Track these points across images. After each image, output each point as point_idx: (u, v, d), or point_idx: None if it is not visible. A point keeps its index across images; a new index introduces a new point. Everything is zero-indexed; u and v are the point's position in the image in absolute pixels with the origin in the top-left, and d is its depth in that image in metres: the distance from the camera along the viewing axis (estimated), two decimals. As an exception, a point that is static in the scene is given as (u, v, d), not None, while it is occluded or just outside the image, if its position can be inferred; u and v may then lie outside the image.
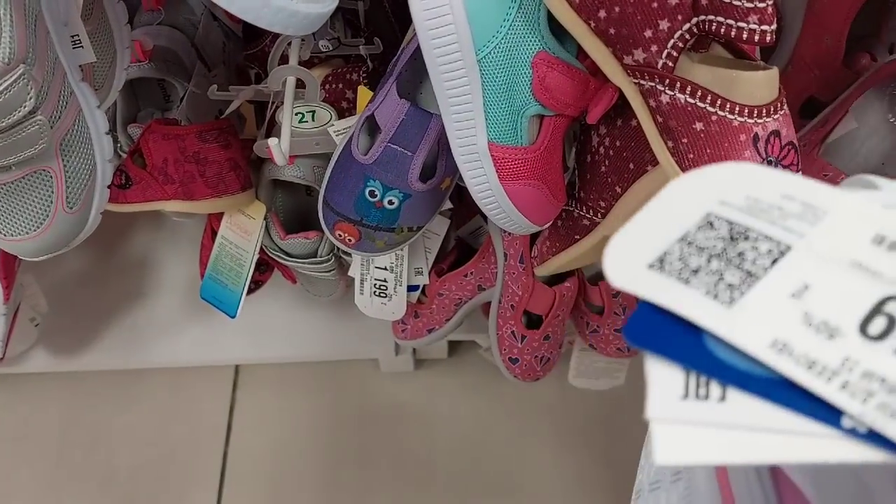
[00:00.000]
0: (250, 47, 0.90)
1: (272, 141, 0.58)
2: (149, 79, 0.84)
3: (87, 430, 1.10)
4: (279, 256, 0.80)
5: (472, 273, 0.77)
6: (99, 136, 0.49)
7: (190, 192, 0.74)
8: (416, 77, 0.58)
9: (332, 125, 0.68)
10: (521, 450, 1.11)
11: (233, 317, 0.82)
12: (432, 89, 0.50)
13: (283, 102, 0.65)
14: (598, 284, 0.71)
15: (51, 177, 0.47)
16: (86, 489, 1.06)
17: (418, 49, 0.50)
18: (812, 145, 0.59)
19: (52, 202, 0.48)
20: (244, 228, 0.79)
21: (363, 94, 0.61)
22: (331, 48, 0.78)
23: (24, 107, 0.42)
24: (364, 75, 0.78)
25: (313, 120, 0.70)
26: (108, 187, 0.76)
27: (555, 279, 0.71)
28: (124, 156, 0.77)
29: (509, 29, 0.47)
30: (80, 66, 0.49)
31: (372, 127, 0.58)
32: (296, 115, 0.69)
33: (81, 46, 0.49)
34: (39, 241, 0.49)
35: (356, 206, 0.59)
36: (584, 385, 0.90)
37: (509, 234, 0.69)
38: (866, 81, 0.59)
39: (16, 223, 0.48)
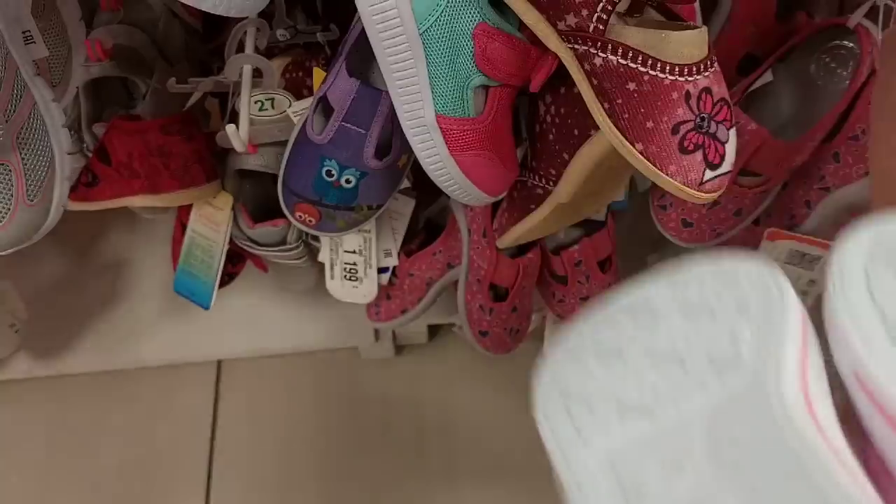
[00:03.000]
0: (212, 42, 0.91)
1: (230, 128, 0.59)
2: (111, 78, 0.84)
3: (72, 433, 1.11)
4: (249, 246, 0.81)
5: (440, 252, 0.78)
6: (56, 130, 0.51)
7: (156, 185, 0.75)
8: (366, 56, 0.59)
9: (291, 107, 0.69)
10: (509, 429, 1.12)
11: (206, 308, 0.83)
12: (381, 67, 0.51)
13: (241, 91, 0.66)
14: (559, 254, 0.73)
15: (9, 170, 0.48)
16: (74, 491, 1.07)
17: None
18: (734, 96, 0.62)
19: (11, 195, 0.49)
20: (213, 220, 0.80)
21: (318, 74, 0.63)
22: (288, 37, 0.79)
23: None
24: (323, 62, 0.79)
25: (273, 107, 0.71)
26: (75, 186, 0.77)
27: (518, 252, 0.72)
28: (90, 155, 0.78)
29: (449, 2, 0.49)
30: (33, 61, 0.50)
31: (326, 108, 0.60)
32: (255, 103, 0.70)
33: (33, 42, 0.50)
34: (2, 235, 0.50)
35: (314, 186, 0.60)
36: (558, 358, 0.91)
37: (471, 209, 0.71)
38: (794, 38, 0.61)
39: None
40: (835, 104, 0.62)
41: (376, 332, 1.10)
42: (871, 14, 0.61)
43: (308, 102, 0.66)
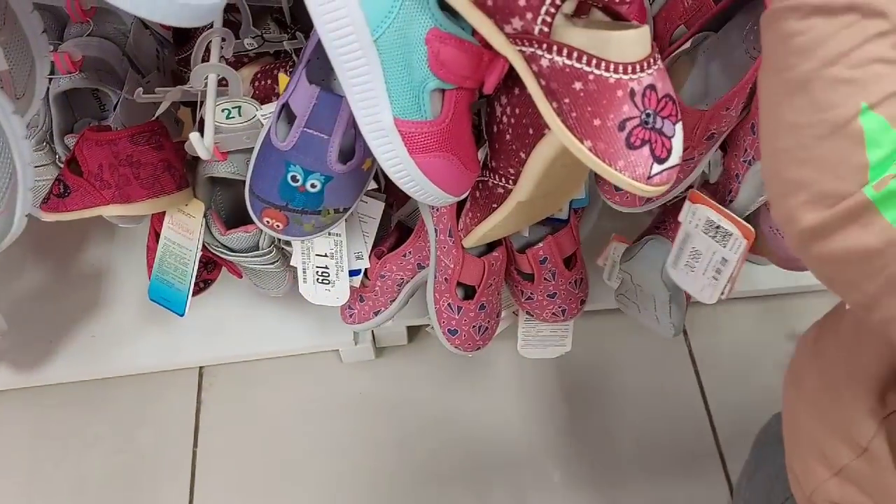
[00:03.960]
0: (182, 52, 0.92)
1: (193, 135, 0.60)
2: (83, 89, 0.86)
3: (56, 443, 1.11)
4: (222, 252, 0.82)
5: (410, 253, 0.80)
6: (17, 141, 0.51)
7: (127, 195, 0.76)
8: (325, 63, 0.60)
9: (260, 110, 0.70)
10: (489, 426, 1.14)
11: (181, 315, 0.84)
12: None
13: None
14: (525, 253, 0.74)
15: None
16: (59, 500, 1.07)
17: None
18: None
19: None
20: (185, 227, 0.81)
21: (283, 81, 0.64)
22: (255, 45, 0.81)
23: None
24: (290, 70, 0.81)
25: (240, 115, 0.72)
26: (47, 198, 0.78)
27: (485, 251, 0.74)
28: (62, 166, 0.79)
29: (400, 9, 0.50)
30: (-6, 74, 0.51)
31: (289, 114, 0.61)
32: (222, 111, 0.71)
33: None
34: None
35: (280, 191, 0.61)
36: (533, 355, 0.93)
37: (437, 210, 0.72)
38: (714, 9, 0.62)
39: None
40: (746, 75, 0.63)
41: (356, 334, 1.12)
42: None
43: (274, 106, 0.68)
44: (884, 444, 0.52)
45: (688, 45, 0.63)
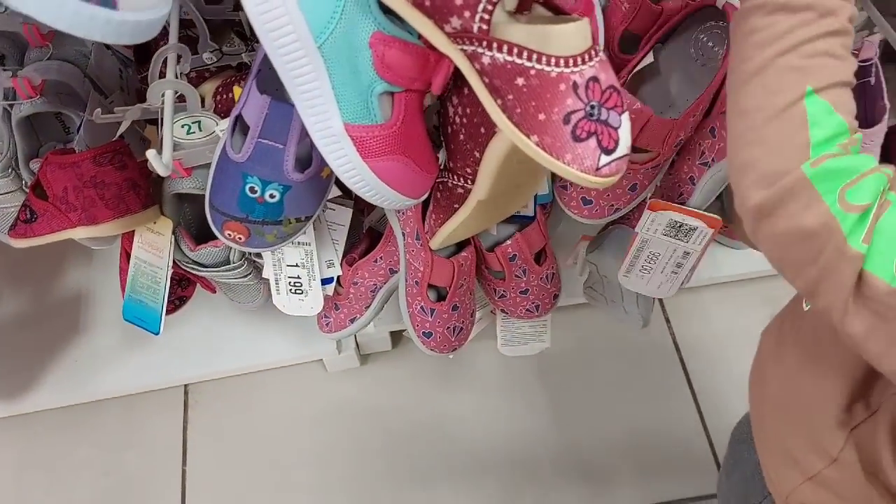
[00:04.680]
0: (144, 69, 0.91)
1: (150, 153, 0.60)
2: (46, 113, 0.85)
3: (44, 469, 1.11)
4: (193, 268, 0.82)
5: (381, 258, 0.80)
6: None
7: (93, 216, 0.76)
8: (274, 73, 0.60)
9: (220, 125, 0.70)
10: (476, 428, 1.14)
11: (156, 334, 0.84)
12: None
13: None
14: (494, 251, 0.74)
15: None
16: (49, 527, 1.07)
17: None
18: (622, 77, 0.64)
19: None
20: (155, 246, 0.81)
21: (238, 93, 0.64)
22: (214, 59, 0.81)
23: None
24: (250, 82, 0.80)
25: (200, 129, 0.72)
26: (14, 224, 0.78)
27: (454, 251, 0.74)
28: (27, 190, 0.79)
29: (342, 15, 0.50)
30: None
31: (243, 126, 0.61)
32: (182, 126, 0.71)
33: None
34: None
35: (239, 203, 0.61)
36: (513, 353, 0.93)
37: (403, 213, 0.72)
38: (673, 18, 0.64)
39: None
40: (711, 81, 0.64)
41: (339, 342, 1.11)
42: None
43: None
44: (853, 454, 0.53)
45: (651, 58, 0.64)
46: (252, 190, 0.61)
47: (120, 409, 1.15)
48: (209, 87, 0.85)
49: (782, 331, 0.62)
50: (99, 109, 0.70)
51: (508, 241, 0.74)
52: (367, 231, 0.85)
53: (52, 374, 1.12)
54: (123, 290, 0.87)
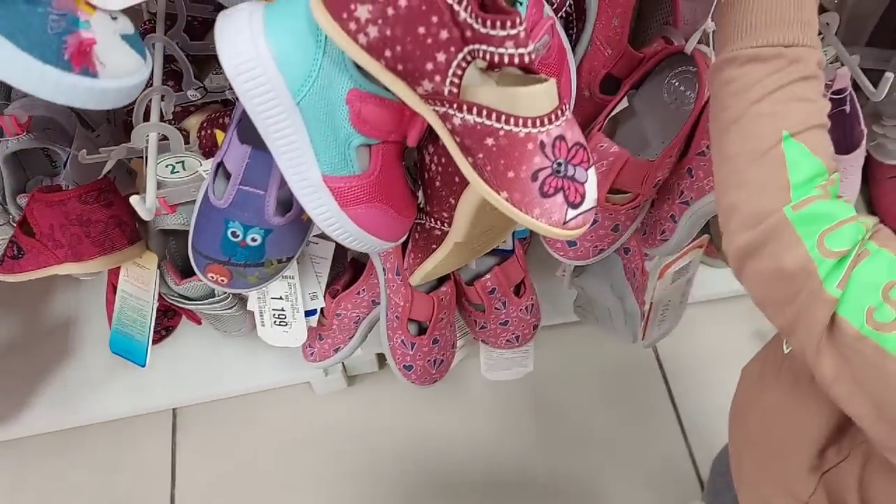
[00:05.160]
0: (131, 103, 0.93)
1: (134, 199, 0.62)
2: (33, 149, 0.87)
3: (34, 494, 1.12)
4: (179, 301, 0.83)
5: (364, 290, 0.81)
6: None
7: (79, 253, 0.77)
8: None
9: (203, 166, 0.71)
10: (463, 448, 1.15)
11: (142, 366, 0.85)
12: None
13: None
14: (473, 285, 0.76)
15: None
16: (40, 551, 1.08)
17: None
18: (599, 122, 0.66)
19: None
20: (141, 279, 0.82)
21: (220, 137, 0.65)
22: (199, 96, 0.82)
23: None
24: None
25: (184, 169, 0.74)
26: (1, 260, 0.79)
27: (434, 286, 0.75)
28: (15, 227, 0.80)
29: (319, 73, 0.52)
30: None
31: (225, 172, 0.62)
32: (166, 166, 0.72)
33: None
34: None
35: (222, 247, 0.63)
36: (497, 377, 0.95)
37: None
38: (647, 64, 0.66)
39: None
40: (684, 124, 0.66)
41: (325, 366, 1.13)
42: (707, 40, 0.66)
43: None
44: (823, 498, 0.55)
45: (626, 102, 0.66)
46: (234, 234, 0.62)
47: (109, 432, 1.16)
48: (194, 122, 0.86)
49: (763, 371, 0.64)
50: (84, 151, 0.72)
51: (488, 275, 0.75)
52: (350, 262, 0.86)
53: (42, 399, 1.13)
54: (110, 321, 0.88)
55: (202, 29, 0.91)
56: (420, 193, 0.65)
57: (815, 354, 0.45)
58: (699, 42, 0.66)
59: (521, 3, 0.56)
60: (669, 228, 0.74)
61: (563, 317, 1.07)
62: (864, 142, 0.91)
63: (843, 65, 0.81)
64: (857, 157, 0.91)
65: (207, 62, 0.90)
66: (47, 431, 1.14)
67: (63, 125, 0.86)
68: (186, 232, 0.84)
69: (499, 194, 0.49)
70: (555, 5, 0.64)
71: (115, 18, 0.46)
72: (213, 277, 0.65)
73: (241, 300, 0.85)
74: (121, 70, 0.46)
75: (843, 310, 0.43)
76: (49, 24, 0.43)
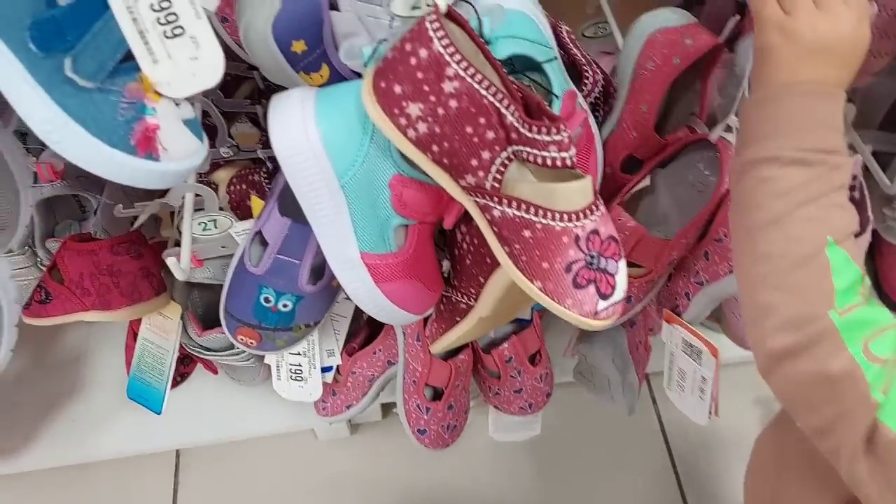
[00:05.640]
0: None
1: (170, 261, 0.64)
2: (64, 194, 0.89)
3: (33, 530, 1.12)
4: (198, 351, 0.85)
5: (380, 350, 0.83)
6: (3, 283, 0.54)
7: (107, 302, 0.79)
8: (295, 198, 0.64)
9: (234, 227, 0.73)
10: (465, 500, 1.16)
11: (158, 413, 0.86)
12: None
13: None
14: (490, 353, 0.77)
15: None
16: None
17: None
18: (619, 197, 0.69)
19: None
20: (163, 328, 0.84)
21: (255, 203, 0.67)
22: (231, 154, 0.84)
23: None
24: (265, 176, 0.84)
25: (216, 227, 0.75)
26: (29, 303, 0.81)
27: (451, 353, 0.77)
28: (44, 269, 0.82)
29: (365, 158, 0.54)
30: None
31: (262, 239, 0.64)
32: (199, 224, 0.74)
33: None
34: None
35: (254, 312, 0.65)
36: (504, 438, 0.96)
37: (406, 315, 0.76)
38: (670, 148, 0.69)
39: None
40: (702, 209, 0.69)
41: (331, 413, 1.14)
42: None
43: (248, 224, 0.71)
44: None
45: (648, 181, 0.69)
46: (266, 300, 0.64)
47: (113, 470, 1.16)
48: (223, 176, 0.89)
49: (784, 446, 0.65)
50: (120, 206, 0.74)
51: (505, 344, 0.77)
52: (367, 321, 0.88)
53: (48, 434, 1.13)
54: (128, 366, 0.89)
55: (234, 85, 0.94)
56: (445, 264, 0.67)
57: (852, 456, 0.46)
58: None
59: (557, 97, 0.59)
60: (683, 305, 0.76)
61: (568, 376, 1.09)
62: (869, 227, 0.93)
63: (855, 152, 0.83)
64: (863, 242, 0.94)
65: (236, 113, 0.93)
66: (51, 466, 1.14)
67: (95, 173, 0.88)
68: (209, 284, 0.87)
69: (533, 283, 0.51)
70: (585, 91, 0.67)
71: (178, 105, 0.48)
72: (242, 340, 0.66)
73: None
74: (180, 153, 0.48)
75: (883, 415, 0.44)
76: (119, 111, 0.45)
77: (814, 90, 0.49)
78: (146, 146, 0.46)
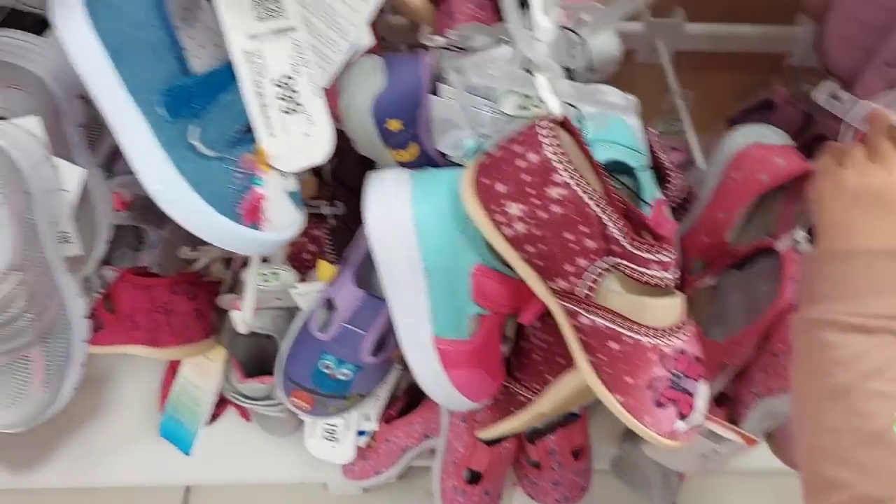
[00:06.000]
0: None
1: (235, 314, 0.63)
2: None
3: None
4: (235, 397, 0.83)
5: (418, 423, 0.82)
6: (78, 321, 0.54)
7: (156, 339, 0.78)
8: (370, 266, 0.64)
9: (295, 287, 0.73)
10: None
11: (187, 454, 0.85)
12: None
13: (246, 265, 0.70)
14: (534, 443, 0.76)
15: (31, 362, 0.52)
16: None
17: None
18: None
19: (27, 384, 0.52)
20: (204, 369, 0.83)
21: (323, 268, 0.67)
22: (297, 207, 0.84)
23: (16, 309, 0.47)
24: (327, 233, 0.84)
25: (277, 280, 0.75)
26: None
27: (495, 438, 0.76)
28: (97, 295, 0.82)
29: (452, 245, 0.54)
30: (65, 258, 0.55)
31: (329, 305, 0.64)
32: (260, 274, 0.74)
33: (69, 242, 0.54)
34: (14, 419, 0.53)
35: (312, 377, 0.64)
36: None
37: (455, 393, 0.75)
38: (737, 255, 0.69)
39: (-10, 401, 0.52)
40: (757, 321, 0.67)
41: (346, 468, 1.12)
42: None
43: (311, 286, 0.71)
44: None
45: (712, 281, 0.68)
46: (327, 367, 0.63)
47: (121, 498, 1.14)
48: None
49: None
50: (186, 248, 0.74)
51: (551, 436, 0.76)
52: (406, 389, 0.87)
53: (61, 453, 1.11)
54: (163, 400, 0.88)
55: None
56: (503, 348, 0.67)
57: None
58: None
59: (648, 205, 0.59)
60: (741, 414, 0.74)
61: (602, 463, 1.06)
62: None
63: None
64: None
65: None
66: (61, 487, 1.12)
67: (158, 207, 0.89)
68: (255, 332, 0.86)
69: (613, 396, 0.51)
70: (669, 197, 0.67)
71: (284, 177, 0.49)
72: (295, 402, 0.66)
73: (295, 407, 0.86)
74: (281, 224, 0.48)
75: None
76: (232, 179, 0.46)
77: (871, 248, 0.47)
78: (252, 216, 0.46)
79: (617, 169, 0.60)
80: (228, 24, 0.45)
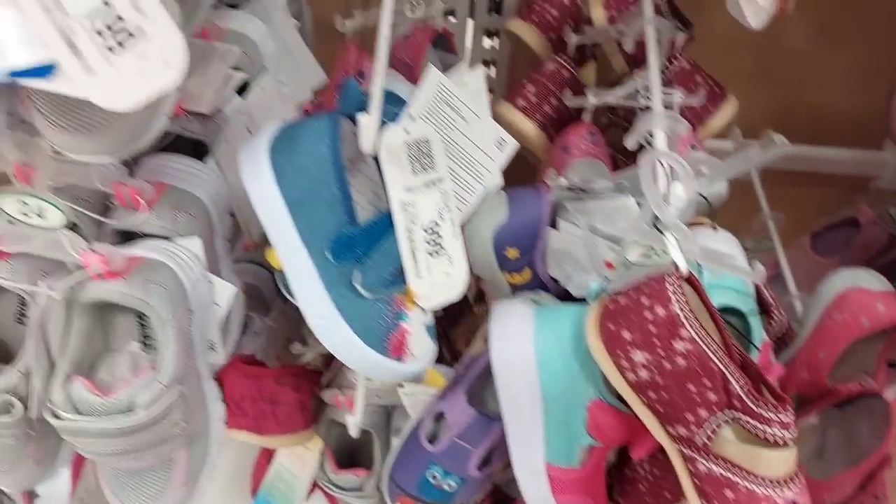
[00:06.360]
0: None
1: (350, 419, 0.67)
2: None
3: None
4: (328, 486, 0.86)
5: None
6: (216, 424, 0.58)
7: (260, 427, 0.82)
8: (484, 383, 0.67)
9: (402, 387, 0.76)
10: None
11: (275, 542, 0.88)
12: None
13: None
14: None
15: (175, 463, 0.56)
16: None
17: (489, 365, 0.60)
18: None
19: (169, 482, 0.56)
20: (301, 457, 0.87)
21: (432, 375, 0.71)
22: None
23: (174, 418, 0.52)
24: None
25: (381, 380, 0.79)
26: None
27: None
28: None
29: (571, 379, 0.57)
30: (210, 363, 0.59)
31: (439, 417, 0.67)
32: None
33: (215, 350, 0.59)
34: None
35: (418, 485, 0.67)
36: None
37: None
38: (838, 395, 0.70)
39: (133, 499, 0.56)
40: (864, 462, 0.68)
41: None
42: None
43: (417, 388, 0.74)
44: None
45: (815, 419, 0.69)
46: (434, 477, 0.66)
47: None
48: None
49: None
50: (298, 344, 0.78)
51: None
52: (492, 490, 0.89)
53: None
54: (254, 482, 0.92)
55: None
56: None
57: None
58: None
59: (756, 348, 0.62)
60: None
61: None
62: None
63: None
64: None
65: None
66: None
67: (265, 295, 0.94)
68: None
69: (725, 542, 0.52)
70: (771, 334, 0.69)
71: (425, 313, 0.53)
72: (398, 507, 0.68)
73: (382, 501, 0.88)
74: (420, 356, 0.52)
75: None
76: (383, 317, 0.50)
77: None
78: (398, 350, 0.50)
79: (727, 310, 0.62)
80: (390, 179, 0.49)
